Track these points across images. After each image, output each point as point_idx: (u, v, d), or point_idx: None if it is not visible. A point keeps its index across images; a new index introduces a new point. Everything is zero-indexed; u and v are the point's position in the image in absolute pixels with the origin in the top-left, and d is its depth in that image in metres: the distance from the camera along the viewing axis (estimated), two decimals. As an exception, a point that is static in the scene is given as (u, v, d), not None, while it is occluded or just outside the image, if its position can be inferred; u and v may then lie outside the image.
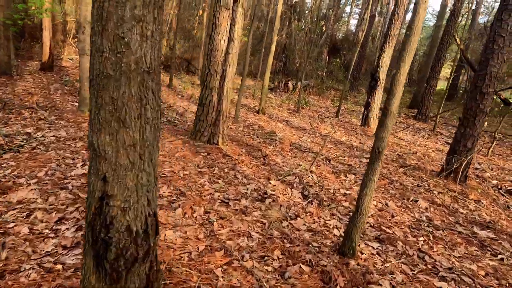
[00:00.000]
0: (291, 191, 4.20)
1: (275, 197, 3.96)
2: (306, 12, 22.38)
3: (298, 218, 3.49)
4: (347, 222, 3.11)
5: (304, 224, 3.39)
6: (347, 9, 34.72)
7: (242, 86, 7.75)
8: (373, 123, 9.65)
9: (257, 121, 8.56)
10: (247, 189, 4.03)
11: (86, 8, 5.62)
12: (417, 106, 15.90)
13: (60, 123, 5.48)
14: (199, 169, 4.38)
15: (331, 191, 4.40)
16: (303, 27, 18.94)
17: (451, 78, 11.36)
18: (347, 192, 4.42)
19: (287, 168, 5.06)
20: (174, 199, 3.49)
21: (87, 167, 3.82)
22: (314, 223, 3.47)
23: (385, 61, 9.28)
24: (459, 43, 11.97)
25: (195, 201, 3.50)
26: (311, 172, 4.98)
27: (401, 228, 3.61)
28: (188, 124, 6.91)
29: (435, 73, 11.80)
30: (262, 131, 7.62)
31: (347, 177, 5.01)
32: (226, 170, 4.50)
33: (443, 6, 15.34)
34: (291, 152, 5.95)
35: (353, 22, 36.43)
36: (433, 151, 8.09)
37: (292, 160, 5.50)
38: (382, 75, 9.36)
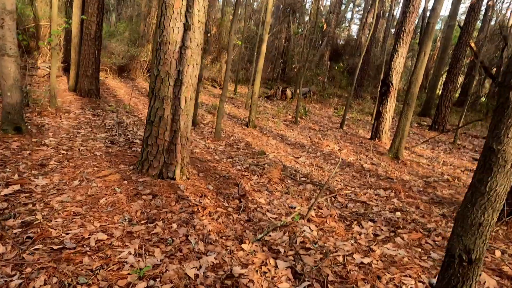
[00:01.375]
0: (275, 264, 2.52)
1: (247, 281, 2.29)
2: (306, 17, 20.87)
3: None
4: None
5: None
6: (348, 15, 33.25)
7: (224, 93, 6.12)
8: (386, 136, 7.96)
9: (245, 137, 6.91)
10: (200, 268, 2.36)
11: (0, -8, 4.04)
12: (428, 113, 14.22)
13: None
14: (129, 227, 2.72)
15: (340, 259, 2.72)
16: (301, 30, 17.37)
17: (462, 82, 9.68)
18: (365, 260, 2.72)
19: (273, 214, 3.38)
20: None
21: None
22: None
23: (399, 62, 7.63)
24: (475, 49, 10.31)
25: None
26: (308, 220, 3.30)
27: None
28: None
29: (453, 76, 10.11)
30: (249, 150, 5.97)
31: (362, 227, 3.32)
32: (174, 226, 2.83)
33: (455, 5, 13.70)
34: (282, 184, 4.28)
35: (354, 28, 34.87)
36: (462, 171, 6.38)
37: (282, 199, 3.82)
38: (395, 79, 7.71)
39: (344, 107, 14.08)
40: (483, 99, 18.58)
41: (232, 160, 5.09)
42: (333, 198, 4.06)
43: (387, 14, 23.97)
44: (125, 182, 3.42)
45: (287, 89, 13.19)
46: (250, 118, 7.66)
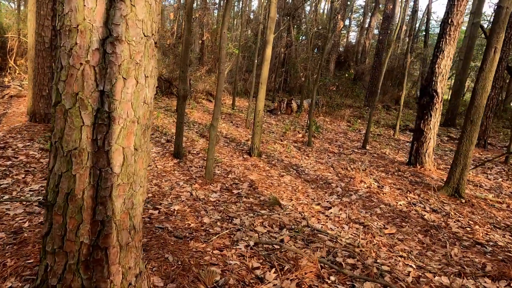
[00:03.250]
0: None
1: None
2: (306, 23, 19.12)
3: None
4: None
5: None
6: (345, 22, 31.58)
7: (216, 116, 4.19)
8: (429, 161, 6.03)
9: (248, 173, 4.97)
10: None
11: None
12: (453, 123, 12.33)
13: None
14: None
15: None
16: (302, 34, 15.57)
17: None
18: None
19: None
20: None
21: None
22: None
23: (445, 65, 5.74)
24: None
25: None
26: None
27: None
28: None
29: (496, 80, 8.15)
30: (255, 198, 4.02)
31: None
32: None
33: (479, 1, 11.91)
34: (319, 281, 2.33)
35: (352, 35, 33.16)
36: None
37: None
38: (441, 87, 5.81)
39: (358, 120, 12.20)
40: None
41: (231, 229, 3.13)
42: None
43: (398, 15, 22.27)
44: None
45: (293, 101, 11.31)
46: (253, 145, 5.73)
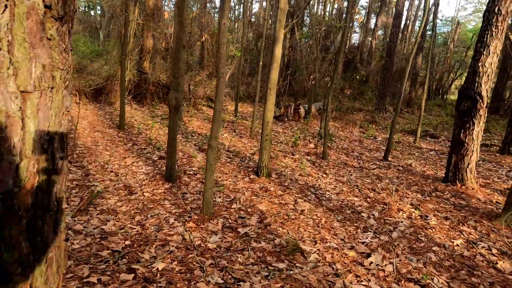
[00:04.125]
0: None
1: None
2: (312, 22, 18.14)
3: None
4: None
5: None
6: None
7: (214, 134, 3.18)
8: (472, 178, 4.99)
9: (256, 201, 3.96)
10: None
11: None
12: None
13: None
14: None
15: None
16: (309, 33, 14.57)
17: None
18: None
19: None
20: None
21: None
22: None
23: (490, 62, 4.73)
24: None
25: None
26: None
27: None
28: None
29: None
30: (267, 240, 3.02)
31: None
32: None
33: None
34: None
35: (354, 37, 32.09)
36: None
37: None
38: (485, 89, 4.79)
39: (370, 125, 11.18)
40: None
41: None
42: None
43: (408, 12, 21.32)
44: None
45: (300, 107, 10.30)
46: (261, 162, 4.73)
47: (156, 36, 13.01)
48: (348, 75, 16.24)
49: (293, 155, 6.26)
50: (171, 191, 4.13)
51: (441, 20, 30.68)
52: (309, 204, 3.98)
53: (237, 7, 27.43)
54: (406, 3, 15.70)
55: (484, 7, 4.97)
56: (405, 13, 19.93)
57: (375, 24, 20.49)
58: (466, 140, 4.93)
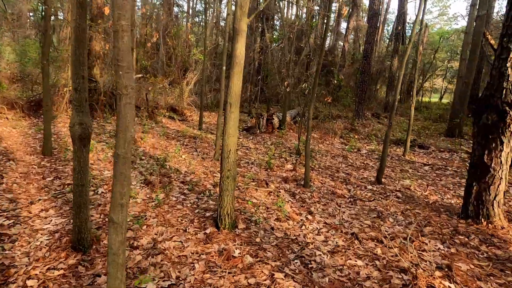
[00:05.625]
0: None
1: None
2: (284, 23, 16.92)
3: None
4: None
5: None
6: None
7: (115, 205, 1.67)
8: (499, 213, 3.76)
9: (212, 283, 2.48)
10: None
11: None
12: (454, 133, 10.37)
13: None
14: None
15: None
16: (278, 35, 13.28)
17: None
18: None
19: None
20: None
21: None
22: None
23: (522, 62, 3.52)
24: (492, 43, 6.36)
25: None
26: None
27: None
28: None
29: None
30: None
31: None
32: None
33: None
34: None
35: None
36: None
37: None
38: (516, 97, 3.58)
39: (351, 134, 9.98)
40: None
41: None
42: None
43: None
44: None
45: (274, 116, 8.92)
46: (222, 210, 3.23)
47: (107, 38, 11.20)
48: (323, 80, 15.11)
49: (267, 184, 4.82)
50: (76, 270, 2.57)
51: (408, 23, 30.59)
52: (294, 283, 2.53)
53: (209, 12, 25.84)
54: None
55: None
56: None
57: (347, 27, 19.61)
58: (493, 165, 3.69)
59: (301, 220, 3.74)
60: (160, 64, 12.49)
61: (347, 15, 17.43)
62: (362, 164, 6.78)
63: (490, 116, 3.68)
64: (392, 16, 31.52)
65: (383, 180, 5.56)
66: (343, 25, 26.16)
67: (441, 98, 26.35)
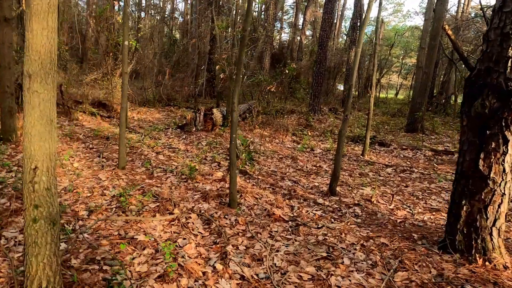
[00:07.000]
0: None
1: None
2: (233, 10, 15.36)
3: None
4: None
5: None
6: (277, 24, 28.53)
7: None
8: (501, 245, 2.51)
9: None
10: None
11: None
12: (415, 128, 9.47)
13: None
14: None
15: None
16: (227, 25, 11.73)
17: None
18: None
19: None
20: None
21: None
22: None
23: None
24: (449, 33, 5.19)
25: None
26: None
27: None
28: None
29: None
30: None
31: None
32: None
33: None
34: None
35: (284, 37, 30.14)
36: None
37: None
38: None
39: (305, 130, 8.69)
40: None
41: None
42: None
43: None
44: None
45: (214, 111, 7.37)
46: None
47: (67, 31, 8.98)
48: (278, 71, 13.82)
49: (173, 209, 3.26)
50: None
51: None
52: None
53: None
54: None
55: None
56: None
57: (304, 19, 18.48)
58: (491, 175, 2.42)
59: (204, 274, 2.24)
60: (82, 50, 10.44)
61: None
62: (314, 167, 5.44)
63: (487, 101, 2.39)
64: (349, 13, 31.07)
65: (338, 189, 4.23)
66: (302, 20, 25.13)
67: (397, 93, 26.24)
